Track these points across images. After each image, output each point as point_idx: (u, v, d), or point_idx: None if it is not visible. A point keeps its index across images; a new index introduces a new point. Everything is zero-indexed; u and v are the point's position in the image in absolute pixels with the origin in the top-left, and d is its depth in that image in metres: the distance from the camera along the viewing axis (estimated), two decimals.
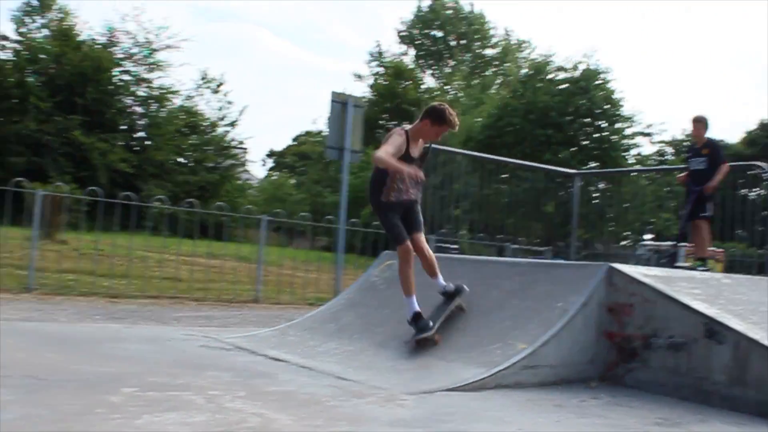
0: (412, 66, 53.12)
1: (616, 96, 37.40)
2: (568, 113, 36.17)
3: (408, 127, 6.40)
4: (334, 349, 6.08)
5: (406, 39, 55.67)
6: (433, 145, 12.65)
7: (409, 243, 6.20)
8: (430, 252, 6.50)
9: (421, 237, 6.39)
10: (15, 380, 4.24)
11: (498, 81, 50.79)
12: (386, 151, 6.08)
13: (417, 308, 6.10)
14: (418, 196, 6.45)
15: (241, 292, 12.04)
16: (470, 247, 15.30)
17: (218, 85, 43.57)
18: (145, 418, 3.60)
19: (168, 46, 41.68)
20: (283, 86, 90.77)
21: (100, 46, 40.50)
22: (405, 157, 6.16)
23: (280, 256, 14.83)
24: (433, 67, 55.27)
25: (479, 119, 39.27)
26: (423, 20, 55.53)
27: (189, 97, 43.36)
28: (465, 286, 6.39)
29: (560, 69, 39.15)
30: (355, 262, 13.70)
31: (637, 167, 33.43)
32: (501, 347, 5.49)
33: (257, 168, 67.44)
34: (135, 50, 41.66)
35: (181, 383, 4.54)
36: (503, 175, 18.57)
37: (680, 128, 39.49)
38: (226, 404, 4.05)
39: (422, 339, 5.90)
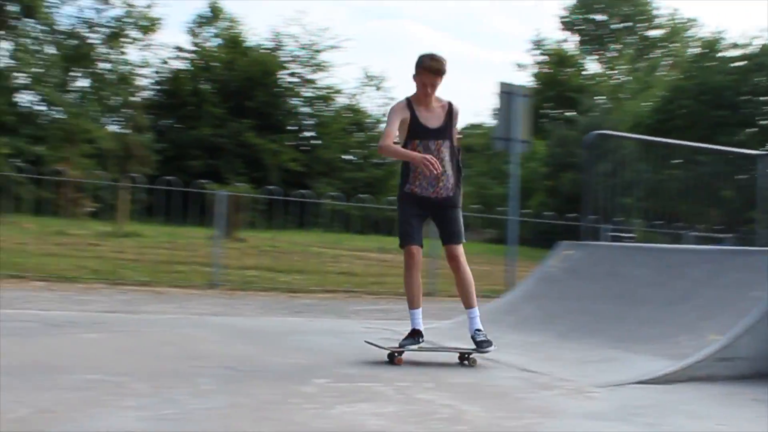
0: (574, 52, 51.95)
1: None
2: (744, 92, 34.33)
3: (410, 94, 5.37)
4: (516, 340, 6.02)
5: (568, 25, 54.47)
6: (602, 132, 12.32)
7: (414, 248, 5.24)
8: (468, 273, 5.45)
9: (456, 250, 5.35)
10: (215, 370, 4.46)
11: (666, 62, 48.82)
12: (387, 135, 5.21)
13: (418, 326, 5.30)
14: (451, 193, 5.34)
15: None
16: (645, 235, 14.80)
17: (380, 82, 44.30)
18: (339, 408, 3.69)
19: (331, 47, 42.76)
20: (449, 80, 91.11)
21: (266, 51, 42.07)
22: (419, 130, 5.23)
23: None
24: (596, 52, 53.79)
25: (648, 103, 37.92)
26: (585, 4, 54.12)
27: (353, 96, 44.34)
28: (493, 346, 5.19)
29: (734, 46, 37.21)
30: (526, 254, 13.54)
31: None
32: (690, 339, 5.27)
33: None
34: (300, 53, 42.99)
35: (369, 374, 4.63)
36: (676, 160, 17.85)
37: None
38: (415, 395, 4.09)
39: (391, 353, 5.13)
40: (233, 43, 41.99)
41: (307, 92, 43.28)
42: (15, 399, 3.46)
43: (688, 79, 36.50)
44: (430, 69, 5.19)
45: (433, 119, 5.28)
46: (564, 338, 5.98)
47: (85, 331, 5.68)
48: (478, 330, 5.29)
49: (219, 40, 43.12)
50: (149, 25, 39.24)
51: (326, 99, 43.29)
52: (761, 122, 35.49)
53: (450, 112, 5.36)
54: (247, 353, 5.23)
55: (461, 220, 5.41)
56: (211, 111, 38.02)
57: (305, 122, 43.47)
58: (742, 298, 5.48)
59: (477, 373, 4.89)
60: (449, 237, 5.37)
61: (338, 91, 43.65)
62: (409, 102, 5.31)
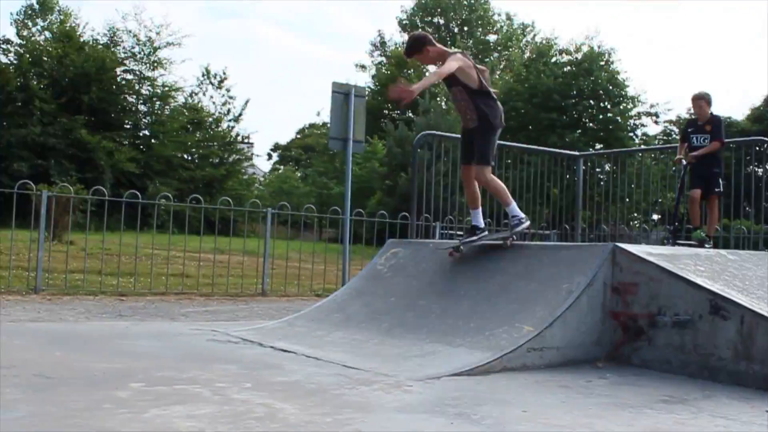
0: None
1: (620, 77, 37.30)
2: (571, 96, 36.11)
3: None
4: (341, 338, 6.10)
5: (407, 27, 55.59)
6: (435, 132, 12.63)
7: (463, 165, 6.88)
8: (475, 188, 6.90)
9: (476, 170, 6.74)
10: (23, 379, 4.27)
11: (501, 66, 50.66)
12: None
13: (479, 223, 6.97)
14: (472, 123, 6.70)
15: (248, 285, 12.09)
16: None
17: (221, 81, 43.70)
18: (152, 412, 3.62)
19: (169, 44, 41.81)
20: (289, 80, 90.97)
21: (102, 46, 40.62)
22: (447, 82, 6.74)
23: (286, 249, 14.85)
24: None
25: None
26: (424, 8, 55.43)
27: (193, 94, 43.50)
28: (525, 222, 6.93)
29: (563, 52, 39.08)
30: (362, 253, 13.72)
31: (642, 147, 33.30)
32: (507, 331, 5.50)
33: (263, 162, 67.61)
34: (137, 49, 41.79)
35: (188, 377, 4.56)
36: (507, 161, 18.56)
37: (685, 107, 39.24)
38: (232, 396, 4.07)
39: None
40: (66, 36, 40.24)
41: (144, 90, 42.10)
42: None
43: (521, 82, 38.02)
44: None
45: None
46: (388, 334, 6.09)
47: None
48: (514, 216, 6.88)
49: (50, 34, 41.24)
50: None
51: (164, 97, 42.25)
52: (588, 124, 37.44)
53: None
54: (62, 360, 5.04)
55: (485, 145, 6.69)
56: (40, 107, 36.27)
57: (143, 120, 42.29)
58: (554, 290, 5.77)
59: (298, 372, 4.92)
60: (471, 156, 6.76)
61: (177, 89, 42.73)
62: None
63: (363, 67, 54.05)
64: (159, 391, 4.14)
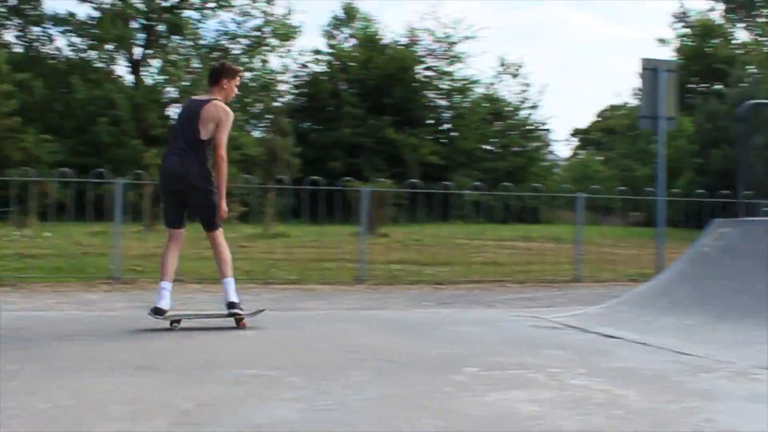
0: (720, 22, 49.59)
1: None
2: None
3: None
4: (670, 323, 5.84)
5: None
6: (758, 102, 11.72)
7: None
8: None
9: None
10: (368, 363, 4.56)
11: None
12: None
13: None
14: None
15: (561, 272, 11.98)
16: None
17: (517, 70, 43.82)
18: (493, 396, 3.69)
19: (466, 38, 42.63)
20: (585, 62, 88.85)
21: (402, 47, 42.36)
22: None
23: (594, 234, 14.55)
24: (744, 20, 51.15)
25: None
26: None
27: (490, 85, 44.05)
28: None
29: None
30: (673, 236, 13.08)
31: None
32: None
33: (562, 148, 66.88)
34: (435, 46, 43.09)
35: (519, 362, 4.61)
36: None
37: None
38: (568, 381, 4.04)
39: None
40: (369, 41, 42.52)
41: (444, 85, 43.32)
42: (179, 394, 3.65)
43: None
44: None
45: None
46: (722, 319, 5.74)
47: (241, 329, 5.90)
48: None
49: (355, 41, 43.77)
50: (288, 33, 40.29)
51: (463, 90, 43.18)
52: None
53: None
54: (399, 345, 5.31)
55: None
56: (350, 111, 38.66)
57: (443, 115, 43.54)
58: None
59: (630, 358, 4.78)
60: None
61: (475, 82, 43.49)
62: None
63: (663, 41, 51.45)
64: (494, 375, 4.21)
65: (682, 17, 50.08)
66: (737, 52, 43.34)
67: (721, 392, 3.83)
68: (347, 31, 44.34)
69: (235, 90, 5.99)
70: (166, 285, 5.77)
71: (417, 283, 10.73)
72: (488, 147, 42.86)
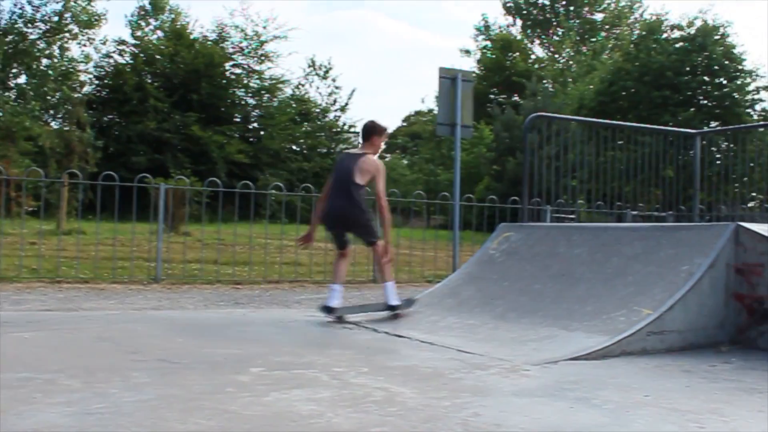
0: (519, 37, 52.30)
1: (736, 51, 35.83)
2: (685, 72, 34.91)
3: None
4: (455, 323, 6.07)
5: (512, 10, 54.81)
6: (546, 114, 12.44)
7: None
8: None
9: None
10: (150, 364, 4.43)
11: (610, 45, 49.38)
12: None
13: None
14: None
15: (360, 272, 12.17)
16: (588, 216, 15.00)
17: (326, 71, 44.16)
18: (273, 396, 3.69)
19: (276, 37, 42.51)
20: (394, 68, 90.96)
21: (211, 43, 41.63)
22: None
23: (396, 236, 14.87)
24: (541, 37, 54.23)
25: (591, 86, 38.39)
26: None
27: (299, 86, 44.13)
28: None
29: (675, 28, 37.81)
30: (471, 238, 13.65)
31: (763, 122, 31.90)
32: (625, 314, 5.36)
33: None
34: (245, 44, 42.67)
35: (305, 362, 4.63)
36: (619, 142, 18.13)
37: None
38: (350, 380, 4.11)
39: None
40: (177, 35, 41.47)
41: (252, 83, 42.99)
42: None
43: (631, 61, 36.99)
44: None
45: None
46: (502, 319, 6.04)
47: (19, 330, 5.58)
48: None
49: (162, 33, 42.57)
50: (90, 20, 38.53)
51: (272, 90, 43.03)
52: (702, 102, 36.14)
53: None
54: (186, 346, 5.20)
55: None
56: (155, 105, 37.54)
57: (251, 113, 43.20)
58: (674, 272, 5.60)
59: (414, 356, 4.92)
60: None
61: (284, 82, 43.46)
62: None
63: (467, 52, 53.60)
64: (278, 375, 4.21)
65: (484, 30, 52.39)
66: (533, 66, 45.78)
67: (493, 388, 4.01)
68: (154, 23, 43.05)
69: (382, 146, 7.55)
70: (337, 287, 6.85)
71: (215, 282, 10.57)
72: (296, 147, 42.91)
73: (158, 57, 40.80)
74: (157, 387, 3.81)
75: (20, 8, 37.26)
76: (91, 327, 5.97)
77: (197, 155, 36.79)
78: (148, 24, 43.29)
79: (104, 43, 40.97)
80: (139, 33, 42.61)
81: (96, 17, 38.72)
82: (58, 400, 3.48)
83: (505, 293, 6.52)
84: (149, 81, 39.53)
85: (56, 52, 38.36)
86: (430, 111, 49.65)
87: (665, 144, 14.01)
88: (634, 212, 14.23)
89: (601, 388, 4.05)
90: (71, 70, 38.74)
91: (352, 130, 45.33)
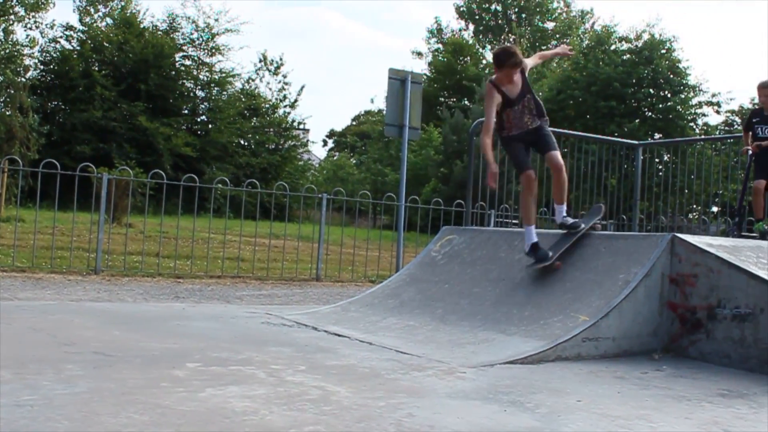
0: (471, 42, 52.68)
1: (681, 65, 36.60)
2: (631, 84, 35.54)
3: (493, 77, 6.59)
4: (395, 324, 6.10)
5: (465, 14, 55.17)
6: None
7: (531, 172, 6.45)
8: (564, 174, 6.58)
9: (555, 156, 6.47)
10: (84, 356, 4.37)
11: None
12: (485, 127, 6.39)
13: (534, 239, 6.31)
14: (538, 123, 6.51)
15: (303, 271, 12.17)
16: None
17: (277, 67, 43.92)
18: (208, 392, 3.67)
19: (228, 30, 42.14)
20: (346, 66, 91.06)
21: (161, 33, 41.10)
22: (506, 102, 6.43)
23: (341, 235, 14.90)
24: (492, 42, 54.69)
25: (539, 93, 38.85)
26: None
27: (250, 80, 43.82)
28: (583, 224, 6.50)
29: (623, 40, 38.46)
30: (416, 240, 13.71)
31: (703, 137, 32.63)
32: (562, 320, 5.45)
33: (319, 149, 67.95)
34: (196, 35, 42.22)
35: (243, 358, 4.61)
36: (564, 149, 18.37)
37: (748, 97, 38.29)
38: (287, 378, 4.10)
39: (541, 267, 6.19)
40: (126, 23, 40.82)
41: (202, 76, 42.55)
42: None
43: (579, 70, 37.53)
44: (498, 62, 6.42)
45: (514, 90, 6.44)
46: (442, 321, 6.09)
47: None
48: (566, 217, 6.54)
49: (111, 20, 41.87)
50: (36, 2, 37.73)
51: (221, 83, 42.64)
52: (647, 113, 36.83)
53: (524, 77, 6.51)
54: (122, 339, 5.14)
55: (552, 136, 6.62)
56: (101, 93, 36.93)
57: (200, 106, 42.76)
58: (611, 280, 5.70)
59: (352, 356, 4.94)
60: (550, 146, 6.50)
61: (234, 75, 43.10)
62: (494, 85, 6.45)
63: (419, 54, 53.86)
64: (214, 371, 4.19)
65: (436, 33, 52.66)
66: (485, 71, 46.14)
67: (428, 389, 4.05)
68: (103, 9, 42.32)
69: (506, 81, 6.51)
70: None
71: (156, 275, 10.47)
72: (244, 142, 42.60)
73: (106, 45, 40.12)
74: (91, 380, 3.77)
75: None
76: (25, 317, 5.86)
77: (143, 146, 36.28)
78: (97, 10, 42.54)
79: (51, 28, 40.15)
80: (87, 19, 41.84)
81: (43, 1, 37.95)
82: None
83: (446, 296, 6.57)
84: (96, 69, 38.84)
85: (0, 35, 37.51)
86: (380, 111, 49.75)
87: (609, 154, 14.26)
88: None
89: (535, 392, 4.12)
90: (15, 53, 37.90)
91: (301, 126, 45.17)
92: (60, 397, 3.38)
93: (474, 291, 6.48)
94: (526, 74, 6.56)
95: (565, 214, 6.55)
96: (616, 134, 30.99)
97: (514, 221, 12.83)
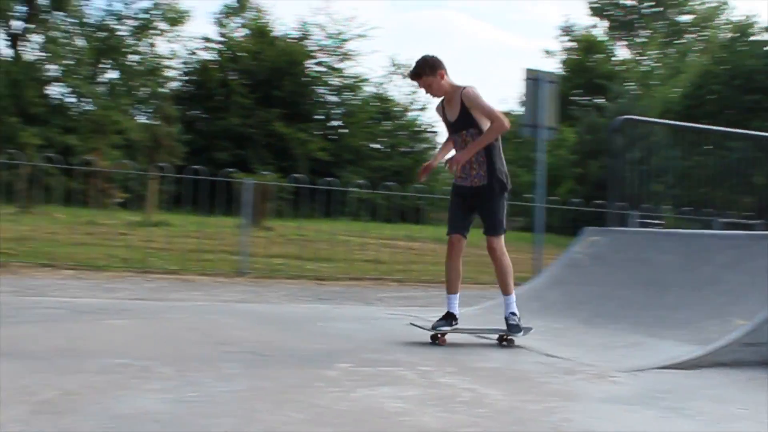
0: (603, 38, 51.43)
1: None
2: None
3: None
4: (540, 326, 6.00)
5: (597, 11, 53.86)
6: (633, 117, 12.22)
7: (453, 236, 5.53)
8: (503, 262, 5.51)
9: (490, 242, 5.50)
10: (240, 355, 4.52)
11: (696, 48, 48.17)
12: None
13: (453, 309, 5.47)
14: (485, 181, 5.40)
15: (441, 272, 12.15)
16: (674, 222, 14.69)
17: (407, 71, 44.23)
18: (361, 392, 3.72)
19: (358, 36, 42.76)
20: (476, 68, 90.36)
21: (293, 41, 42.13)
22: (446, 124, 5.59)
23: (477, 237, 14.83)
24: (625, 38, 53.21)
25: (677, 89, 37.54)
26: None
27: (380, 85, 44.32)
28: (521, 332, 5.40)
29: (766, 29, 36.71)
30: (554, 242, 13.49)
31: None
32: (717, 324, 5.23)
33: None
34: (326, 42, 43.05)
35: (392, 359, 4.65)
36: (707, 146, 17.70)
37: None
38: (437, 379, 4.11)
39: (435, 334, 5.35)
40: (260, 33, 42.09)
41: (334, 81, 43.32)
42: (42, 382, 3.53)
43: (719, 64, 36.05)
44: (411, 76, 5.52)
45: (452, 113, 5.48)
46: (589, 324, 5.96)
47: (112, 318, 5.77)
48: (512, 313, 5.45)
49: (246, 31, 43.25)
50: (177, 17, 39.46)
51: (353, 88, 43.30)
52: None
53: (461, 100, 5.40)
54: (273, 339, 5.29)
55: (499, 210, 5.47)
56: (239, 101, 38.19)
57: (333, 111, 43.54)
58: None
59: (500, 358, 4.90)
60: (485, 228, 5.52)
61: (365, 80, 43.68)
62: (441, 104, 5.59)
63: (550, 53, 52.97)
64: (365, 372, 4.24)
65: (567, 31, 51.69)
66: (617, 68, 45.01)
67: (581, 393, 3.97)
68: (238, 20, 43.76)
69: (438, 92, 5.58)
70: None
71: (298, 278, 10.70)
72: (376, 146, 43.09)
73: (242, 54, 41.47)
74: (248, 378, 3.88)
75: (110, 5, 38.43)
76: (180, 317, 6.12)
77: (279, 151, 37.24)
78: (232, 22, 44.02)
79: (191, 40, 41.94)
80: (224, 31, 43.37)
81: (183, 15, 39.66)
82: (153, 387, 3.58)
83: (591, 298, 6.44)
84: (233, 77, 40.21)
85: (145, 48, 39.40)
86: (512, 112, 49.24)
87: (756, 150, 13.64)
88: (723, 220, 13.87)
89: (693, 398, 3.97)
90: (159, 65, 39.76)
91: (431, 129, 45.30)
92: (221, 395, 3.50)
93: (621, 293, 6.31)
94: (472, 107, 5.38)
95: (513, 310, 5.45)
96: (761, 130, 29.60)
97: (657, 222, 12.45)
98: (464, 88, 5.41)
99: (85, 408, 3.15)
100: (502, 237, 5.52)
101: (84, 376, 3.70)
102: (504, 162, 5.54)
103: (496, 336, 5.53)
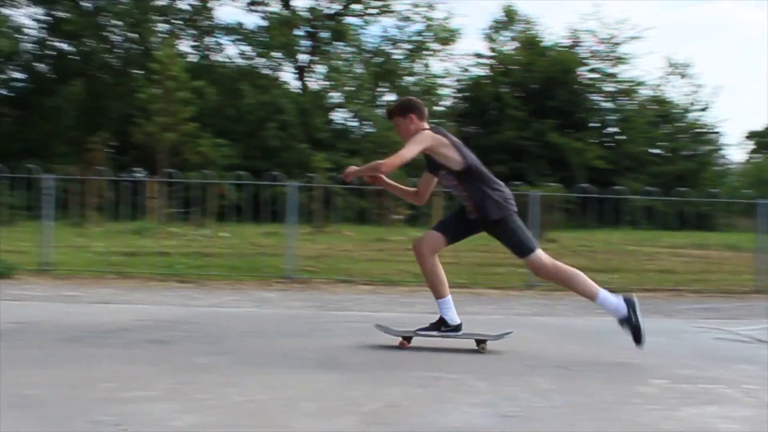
0: None
1: None
2: None
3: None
4: None
5: None
6: None
7: (436, 233, 5.54)
8: (561, 274, 5.49)
9: (529, 264, 5.43)
10: (547, 369, 4.49)
11: None
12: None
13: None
14: (474, 213, 5.39)
15: (741, 282, 11.38)
16: None
17: (685, 70, 42.16)
18: (685, 410, 3.54)
19: (631, 38, 41.41)
20: (759, 61, 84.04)
21: (564, 49, 41.65)
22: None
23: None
24: None
25: None
26: None
27: (657, 87, 42.60)
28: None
29: None
30: None
31: None
32: None
33: (736, 152, 63.86)
34: (598, 47, 42.12)
35: (710, 376, 4.40)
36: None
37: None
38: (766, 399, 3.83)
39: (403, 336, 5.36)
40: (530, 44, 42.00)
41: (608, 87, 42.22)
42: (365, 393, 3.72)
43: None
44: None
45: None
46: None
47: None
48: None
49: (516, 43, 43.36)
50: (449, 36, 40.38)
51: (628, 92, 41.91)
52: None
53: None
54: (575, 352, 5.22)
55: (511, 233, 5.34)
56: (512, 114, 38.35)
57: (608, 118, 42.43)
58: None
59: None
60: (515, 255, 5.41)
61: (641, 83, 42.10)
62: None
63: None
64: (683, 389, 4.05)
65: None
66: None
67: None
68: (508, 33, 43.96)
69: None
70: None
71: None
72: (656, 151, 41.36)
73: (513, 67, 41.61)
74: (562, 393, 3.85)
75: (386, 31, 40.23)
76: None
77: (555, 162, 36.84)
78: (502, 35, 44.31)
79: (462, 58, 42.75)
80: (494, 45, 43.76)
81: (454, 33, 40.51)
82: (470, 400, 3.65)
83: None
84: (506, 90, 40.44)
85: (419, 69, 40.71)
86: None
87: None
88: None
89: None
90: (433, 84, 40.90)
91: (714, 130, 42.73)
92: (540, 410, 3.49)
93: None
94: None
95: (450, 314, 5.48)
96: None
97: None
98: (424, 130, 5.30)
99: (410, 420, 3.28)
100: (537, 253, 5.32)
101: (402, 389, 3.86)
102: (498, 186, 5.42)
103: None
